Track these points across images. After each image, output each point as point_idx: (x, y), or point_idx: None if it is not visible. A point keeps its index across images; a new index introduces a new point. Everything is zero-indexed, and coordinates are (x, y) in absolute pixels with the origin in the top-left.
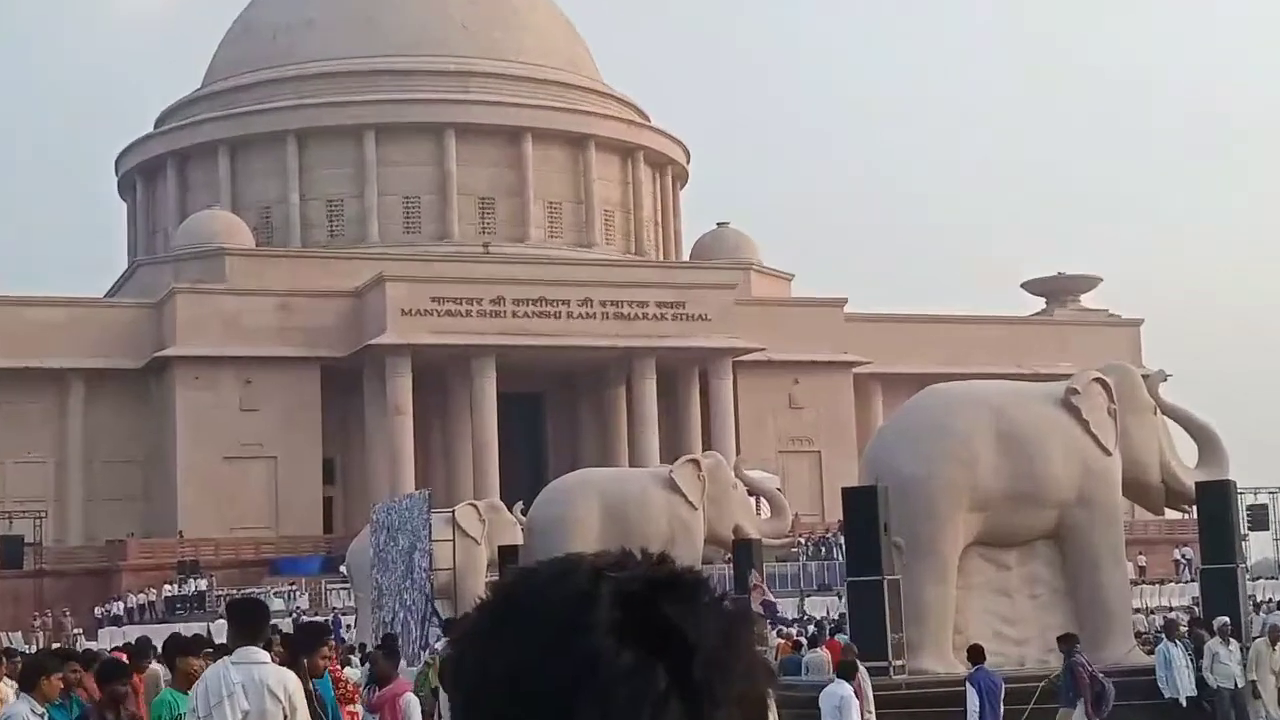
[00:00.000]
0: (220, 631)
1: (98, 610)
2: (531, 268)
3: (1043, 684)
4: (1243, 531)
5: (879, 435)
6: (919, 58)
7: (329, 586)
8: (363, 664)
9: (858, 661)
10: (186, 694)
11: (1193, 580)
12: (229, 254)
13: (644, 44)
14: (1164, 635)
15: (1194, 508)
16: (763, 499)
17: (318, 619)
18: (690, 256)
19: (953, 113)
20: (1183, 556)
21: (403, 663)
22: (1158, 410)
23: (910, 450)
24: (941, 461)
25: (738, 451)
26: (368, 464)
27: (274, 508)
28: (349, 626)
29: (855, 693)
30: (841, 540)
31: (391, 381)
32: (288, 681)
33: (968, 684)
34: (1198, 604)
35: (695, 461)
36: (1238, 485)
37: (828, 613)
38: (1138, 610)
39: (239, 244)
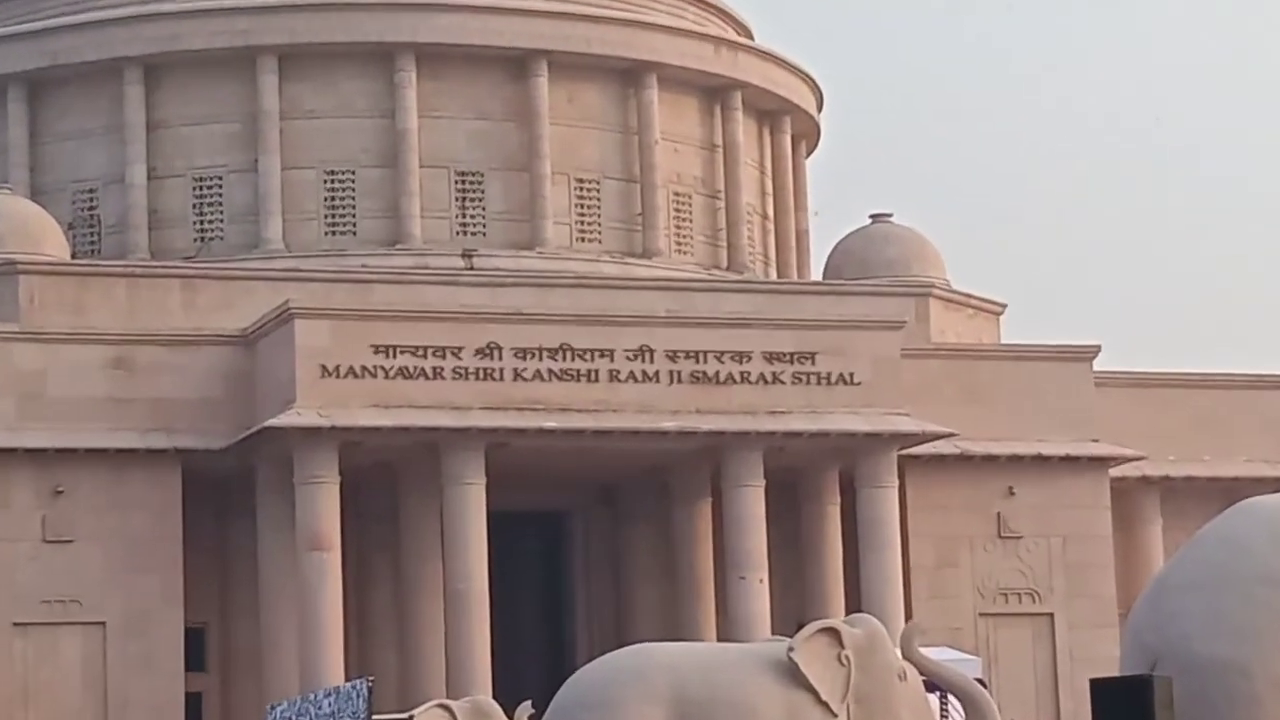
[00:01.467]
0: None
1: None
2: (547, 293)
3: None
4: None
5: (1157, 589)
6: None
7: None
8: None
9: None
10: None
11: None
12: (23, 271)
13: None
14: None
15: None
16: (952, 698)
17: None
18: (825, 274)
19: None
20: None
21: None
22: None
23: (1213, 617)
24: (1273, 640)
25: (908, 615)
26: (265, 636)
27: (101, 710)
28: None
29: None
30: None
31: (305, 494)
32: None
33: None
34: None
35: (834, 632)
36: None
37: None
38: None
39: (41, 254)
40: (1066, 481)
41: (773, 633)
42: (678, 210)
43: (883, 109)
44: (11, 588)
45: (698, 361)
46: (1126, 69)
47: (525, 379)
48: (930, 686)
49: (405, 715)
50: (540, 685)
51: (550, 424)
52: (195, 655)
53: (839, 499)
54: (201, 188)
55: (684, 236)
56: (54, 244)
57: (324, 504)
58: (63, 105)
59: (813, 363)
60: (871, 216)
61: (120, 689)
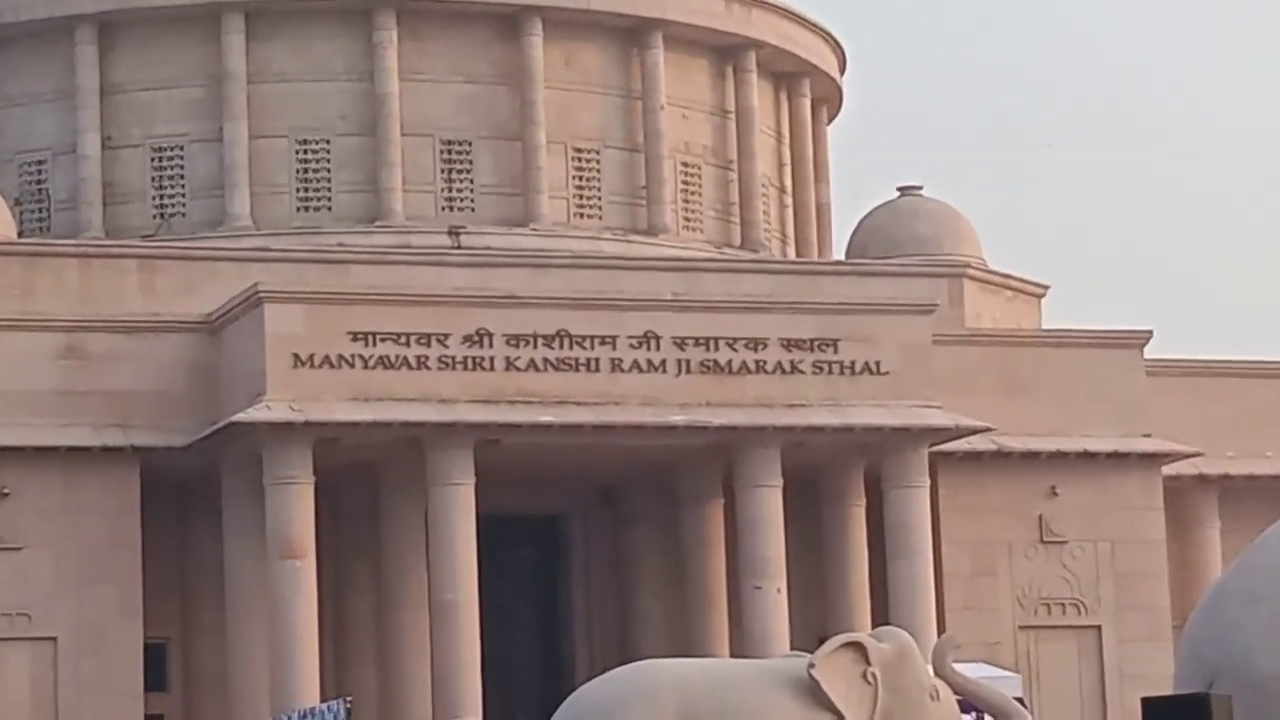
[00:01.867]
0: None
1: None
2: (542, 275)
3: None
4: None
5: (1215, 598)
6: None
7: None
8: None
9: None
10: None
11: None
12: None
13: None
14: None
15: None
16: (989, 719)
17: None
18: (848, 253)
19: None
20: None
21: None
22: None
23: (1274, 629)
24: None
25: (940, 628)
26: (232, 652)
27: None
28: None
29: None
30: None
31: (276, 496)
32: None
33: None
34: None
35: (859, 647)
36: None
37: None
38: None
39: None
40: (1115, 481)
41: (791, 648)
42: (686, 183)
43: (911, 71)
44: None
45: (708, 349)
46: (1188, 26)
47: (518, 369)
48: (965, 706)
49: None
50: (535, 705)
51: (546, 418)
52: (155, 674)
53: (864, 500)
54: (161, 159)
55: (693, 211)
56: None
57: (297, 507)
58: (8, 67)
59: (835, 350)
60: (899, 189)
61: (72, 711)
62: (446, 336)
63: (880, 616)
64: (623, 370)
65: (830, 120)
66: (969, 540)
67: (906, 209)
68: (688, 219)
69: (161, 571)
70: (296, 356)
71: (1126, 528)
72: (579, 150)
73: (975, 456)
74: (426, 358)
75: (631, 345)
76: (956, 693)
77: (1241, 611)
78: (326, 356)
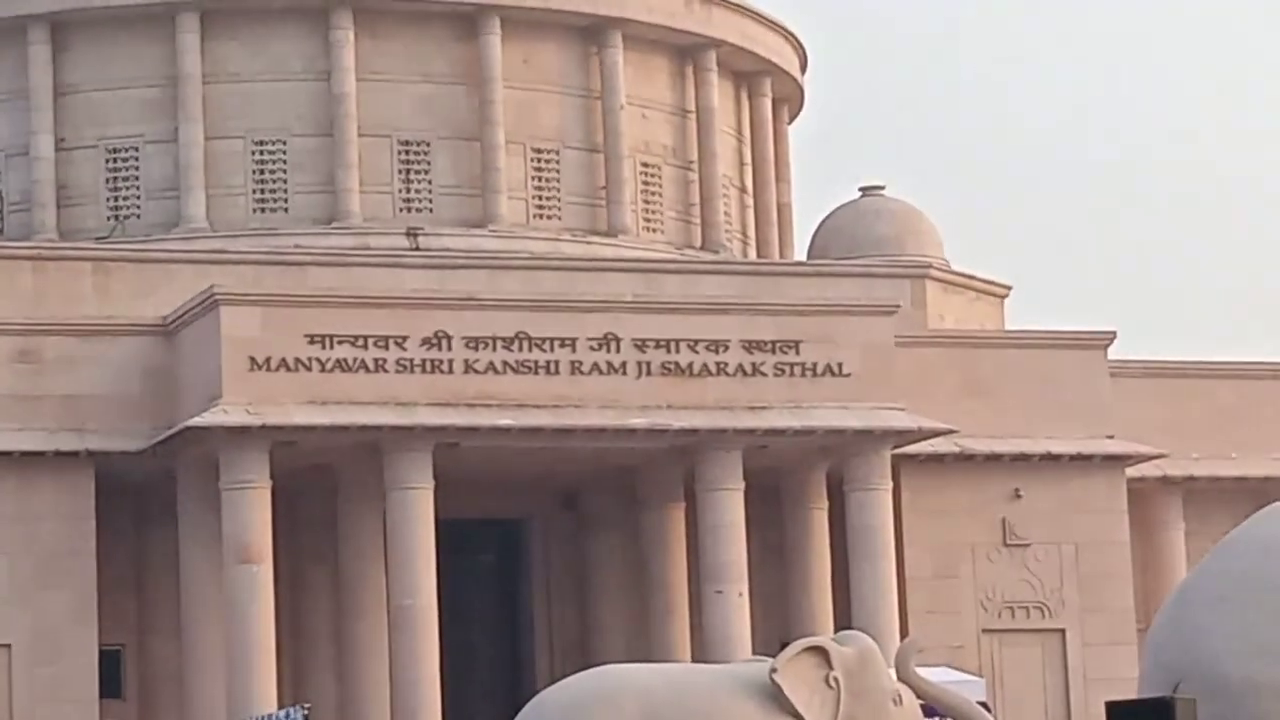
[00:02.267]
0: None
1: None
2: (501, 276)
3: None
4: None
5: (1180, 602)
6: None
7: None
8: None
9: None
10: None
11: None
12: None
13: None
14: None
15: None
16: None
17: None
18: (810, 254)
19: None
20: None
21: None
22: None
23: (1243, 633)
24: None
25: (903, 632)
26: (188, 659)
27: None
28: None
29: None
30: None
31: (233, 501)
32: None
33: None
34: None
35: (821, 651)
36: None
37: None
38: None
39: None
40: (1079, 483)
41: (753, 652)
42: (646, 183)
43: (873, 70)
44: None
45: (669, 351)
46: (1151, 25)
47: (477, 371)
48: (928, 711)
49: None
50: (495, 712)
51: (505, 421)
52: (110, 680)
53: (827, 503)
54: (115, 160)
55: (653, 212)
56: None
57: (253, 511)
58: None
59: (797, 352)
60: (861, 189)
61: (27, 718)
62: (405, 339)
63: (843, 620)
64: (583, 372)
65: (791, 120)
66: (932, 543)
67: (868, 209)
68: (648, 220)
69: (117, 577)
70: (253, 359)
71: (1091, 530)
72: (538, 150)
73: (938, 459)
74: (384, 360)
75: (591, 347)
76: (919, 697)
77: (1207, 615)
78: (283, 359)
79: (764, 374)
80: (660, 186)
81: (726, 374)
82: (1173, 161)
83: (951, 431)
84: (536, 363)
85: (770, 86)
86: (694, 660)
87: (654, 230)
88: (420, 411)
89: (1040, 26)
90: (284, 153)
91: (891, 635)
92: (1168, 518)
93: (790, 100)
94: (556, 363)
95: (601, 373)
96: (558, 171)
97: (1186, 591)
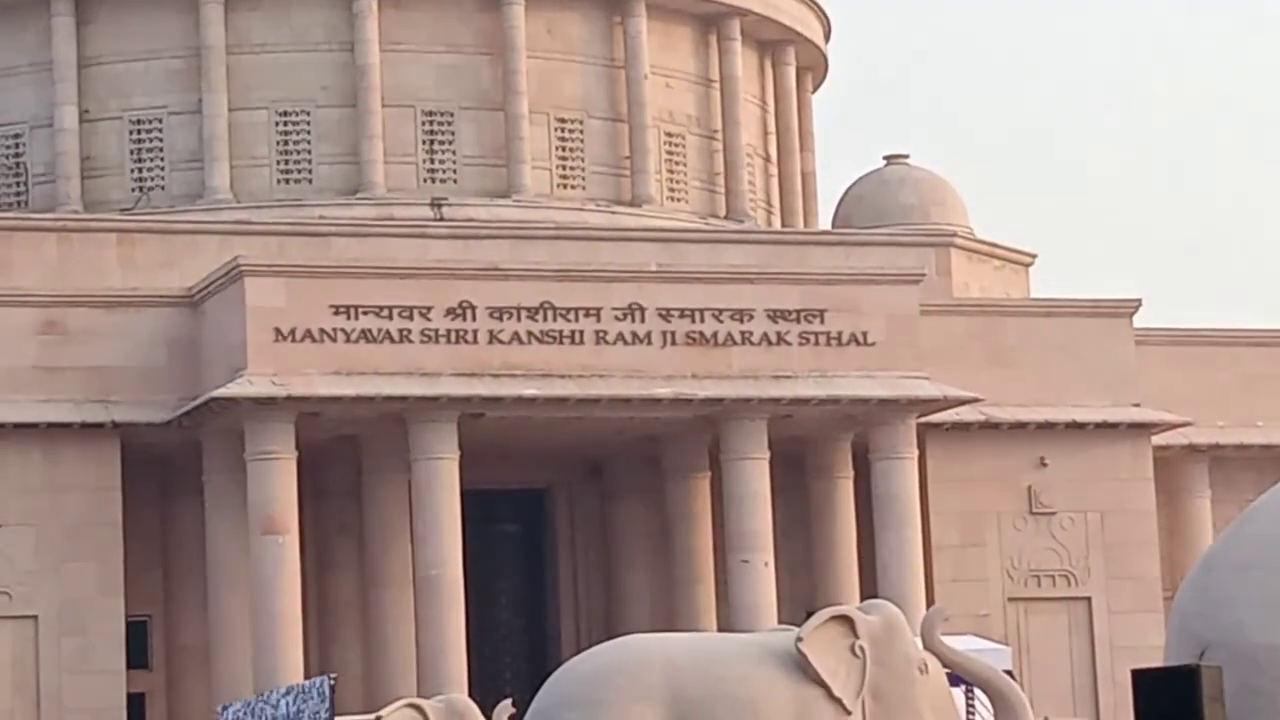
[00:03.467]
0: None
1: None
2: (525, 246)
3: None
4: None
5: (1206, 569)
6: None
7: None
8: None
9: None
10: None
11: None
12: None
13: None
14: None
15: None
16: (978, 692)
17: None
18: (834, 222)
19: None
20: None
21: None
22: None
23: (1270, 600)
24: None
25: (929, 600)
26: (214, 630)
27: (33, 714)
28: None
29: None
30: None
31: (258, 471)
32: None
33: None
34: None
35: (847, 620)
36: None
37: None
38: None
39: None
40: (1104, 451)
41: (779, 621)
42: (670, 152)
43: (897, 38)
44: None
45: (694, 321)
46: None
47: (502, 341)
48: (954, 680)
49: (372, 716)
50: (521, 681)
51: (530, 391)
52: (137, 652)
53: (852, 472)
54: (140, 131)
55: (677, 182)
56: None
57: (279, 482)
58: None
59: (821, 321)
60: (886, 158)
61: (54, 690)
62: (429, 309)
63: (868, 589)
64: (607, 342)
65: (815, 88)
66: (957, 512)
67: (893, 178)
68: (672, 189)
69: (143, 548)
70: (278, 330)
71: (1116, 498)
72: (562, 120)
73: (963, 427)
74: (409, 331)
75: (616, 317)
76: (945, 666)
77: (1233, 582)
78: (308, 330)
79: (789, 343)
80: (684, 156)
81: (751, 343)
82: (1199, 130)
83: (977, 400)
84: (561, 333)
85: (794, 55)
86: (719, 629)
87: (678, 200)
88: (445, 382)
89: None
90: (308, 124)
91: (917, 604)
92: (1193, 485)
93: (814, 69)
94: (581, 332)
95: (626, 342)
96: (582, 141)
97: (1212, 559)
